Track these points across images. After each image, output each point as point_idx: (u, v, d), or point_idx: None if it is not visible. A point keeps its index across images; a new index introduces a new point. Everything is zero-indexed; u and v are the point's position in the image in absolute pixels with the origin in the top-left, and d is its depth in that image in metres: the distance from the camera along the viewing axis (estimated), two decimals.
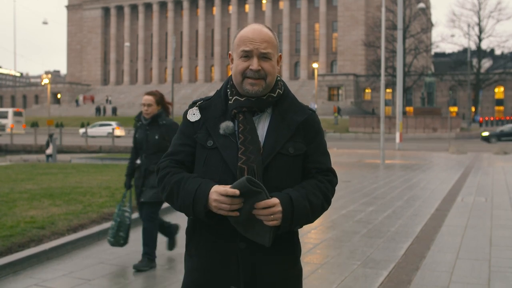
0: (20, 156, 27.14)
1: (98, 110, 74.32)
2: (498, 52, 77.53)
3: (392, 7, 56.35)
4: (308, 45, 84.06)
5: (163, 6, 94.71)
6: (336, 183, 2.21)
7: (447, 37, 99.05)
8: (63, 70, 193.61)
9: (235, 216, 1.93)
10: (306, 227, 7.26)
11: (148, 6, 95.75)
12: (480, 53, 64.87)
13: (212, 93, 2.30)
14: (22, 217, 7.13)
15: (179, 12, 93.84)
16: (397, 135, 29.21)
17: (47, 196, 8.94)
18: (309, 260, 5.80)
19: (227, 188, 1.91)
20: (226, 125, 2.06)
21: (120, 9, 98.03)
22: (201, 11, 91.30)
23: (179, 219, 7.82)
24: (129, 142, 37.74)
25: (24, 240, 6.07)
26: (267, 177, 2.00)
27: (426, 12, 71.24)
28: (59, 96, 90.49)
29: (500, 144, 34.93)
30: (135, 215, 6.85)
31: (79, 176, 12.51)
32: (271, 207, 1.92)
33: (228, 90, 2.15)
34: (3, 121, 50.84)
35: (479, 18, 64.48)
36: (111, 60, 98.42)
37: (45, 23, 79.93)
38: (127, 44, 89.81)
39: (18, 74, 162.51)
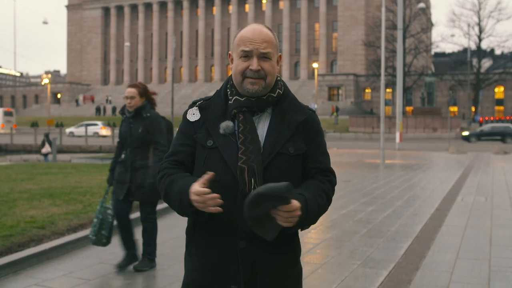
0: (20, 156, 27.15)
1: (98, 110, 74.31)
2: (498, 52, 77.58)
3: (392, 7, 56.34)
4: (308, 45, 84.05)
5: (163, 6, 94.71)
6: (336, 183, 2.22)
7: (447, 37, 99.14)
8: (63, 70, 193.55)
9: (252, 211, 1.88)
10: None
11: (148, 6, 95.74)
12: (480, 53, 64.88)
13: (212, 93, 2.31)
14: (22, 217, 7.13)
15: (179, 12, 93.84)
16: (397, 135, 29.21)
17: (47, 196, 8.94)
18: (309, 260, 5.80)
19: (200, 188, 1.92)
20: (226, 125, 2.06)
21: (120, 9, 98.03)
22: (201, 11, 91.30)
23: (179, 219, 7.83)
24: None
25: (24, 240, 6.07)
26: (267, 176, 2.01)
27: (426, 12, 71.23)
28: (59, 96, 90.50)
29: (480, 143, 35.21)
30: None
31: (79, 176, 12.51)
32: (293, 211, 1.92)
33: (228, 90, 2.15)
34: None
35: (479, 18, 64.49)
36: (111, 60, 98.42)
37: (45, 23, 79.97)
38: (127, 44, 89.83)
39: (18, 74, 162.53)
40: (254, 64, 2.04)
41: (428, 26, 74.73)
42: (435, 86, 52.83)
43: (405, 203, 9.84)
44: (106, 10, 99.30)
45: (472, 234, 7.17)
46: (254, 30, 2.08)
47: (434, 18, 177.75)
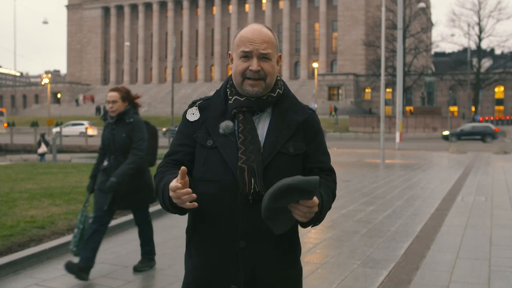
0: (20, 156, 27.14)
1: (98, 109, 74.30)
2: (498, 51, 77.60)
3: (392, 7, 56.33)
4: (308, 44, 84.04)
5: (163, 5, 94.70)
6: (336, 183, 2.24)
7: (447, 37, 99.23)
8: (63, 70, 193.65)
9: (272, 201, 1.85)
10: None
11: (148, 6, 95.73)
12: (480, 52, 64.88)
13: (212, 93, 2.31)
14: (22, 216, 7.13)
15: (179, 12, 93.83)
16: (397, 134, 29.21)
17: (47, 196, 8.94)
18: (309, 260, 5.80)
19: (176, 183, 1.90)
20: (226, 125, 2.06)
21: (120, 8, 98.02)
22: (201, 11, 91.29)
23: (179, 219, 7.83)
24: None
25: (24, 239, 6.07)
26: (267, 176, 2.01)
27: (426, 11, 71.24)
28: (59, 95, 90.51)
29: (460, 143, 35.31)
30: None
31: (79, 175, 12.51)
32: (312, 207, 1.92)
33: (227, 90, 2.15)
34: None
35: (479, 17, 64.49)
36: (111, 59, 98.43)
37: (45, 22, 79.99)
38: (127, 43, 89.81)
39: (18, 74, 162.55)
40: (254, 64, 2.04)
41: (428, 25, 74.71)
42: (435, 86, 52.85)
43: (405, 203, 9.84)
44: (106, 10, 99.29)
45: (472, 234, 7.17)
46: (254, 30, 2.08)
47: (434, 18, 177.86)
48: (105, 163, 5.16)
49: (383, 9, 24.64)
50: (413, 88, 64.06)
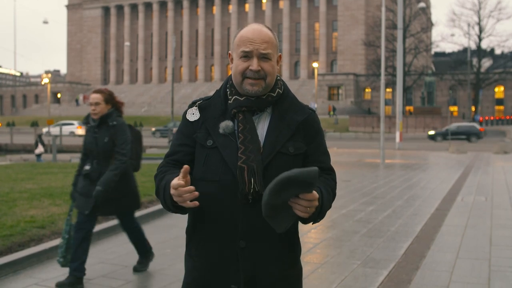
0: (20, 156, 27.14)
1: None
2: (498, 51, 77.59)
3: (392, 7, 56.35)
4: (308, 44, 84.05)
5: (163, 5, 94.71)
6: (336, 182, 2.24)
7: (447, 37, 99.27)
8: (63, 70, 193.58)
9: (272, 197, 1.84)
10: (306, 227, 7.27)
11: (148, 6, 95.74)
12: (480, 52, 64.91)
13: (212, 93, 2.31)
14: (22, 216, 7.13)
15: (179, 12, 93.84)
16: (397, 134, 29.21)
17: (47, 196, 8.94)
18: (309, 260, 5.80)
19: (177, 181, 1.90)
20: (225, 125, 2.06)
21: (120, 8, 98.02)
22: (201, 11, 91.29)
23: (179, 219, 7.83)
24: None
25: (24, 239, 6.07)
26: (267, 176, 2.00)
27: (426, 11, 71.25)
28: (59, 95, 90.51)
29: (445, 142, 35.43)
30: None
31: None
32: (313, 200, 1.91)
33: (227, 90, 2.15)
34: None
35: (479, 17, 64.52)
36: (111, 59, 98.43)
37: (45, 22, 79.98)
38: (127, 43, 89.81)
39: (18, 74, 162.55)
40: (254, 64, 2.04)
41: (428, 25, 74.72)
42: (435, 86, 52.88)
43: (405, 202, 9.84)
44: (106, 10, 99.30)
45: (472, 234, 7.17)
46: (254, 30, 2.08)
47: (434, 18, 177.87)
48: (87, 167, 4.96)
49: (383, 9, 24.63)
50: (413, 88, 64.08)
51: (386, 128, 40.31)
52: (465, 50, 68.57)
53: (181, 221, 7.62)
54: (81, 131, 44.52)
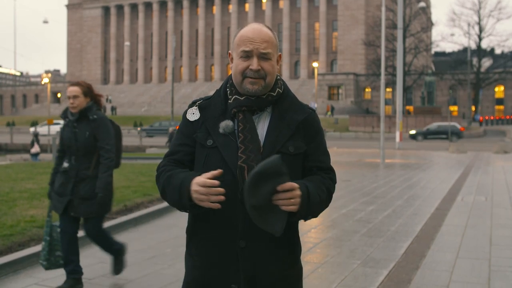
0: (20, 156, 27.13)
1: None
2: (498, 51, 77.66)
3: (392, 6, 56.35)
4: (308, 44, 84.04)
5: (163, 5, 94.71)
6: (336, 181, 2.23)
7: (447, 36, 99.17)
8: (63, 69, 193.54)
9: (253, 199, 1.86)
10: (306, 226, 7.27)
11: (148, 5, 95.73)
12: (480, 52, 64.93)
13: (212, 93, 2.31)
14: (22, 216, 7.14)
15: (179, 11, 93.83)
16: (397, 134, 29.21)
17: (47, 195, 8.93)
18: (309, 259, 5.80)
19: (205, 179, 1.90)
20: (225, 124, 2.06)
21: (120, 8, 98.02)
22: (201, 10, 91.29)
23: (179, 219, 7.83)
24: (128, 141, 37.80)
25: (24, 239, 6.07)
26: None
27: (426, 11, 71.26)
28: (59, 95, 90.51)
29: (426, 142, 35.52)
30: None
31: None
32: (293, 190, 1.91)
33: (227, 90, 2.15)
34: None
35: (479, 17, 64.55)
36: (111, 59, 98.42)
37: (45, 22, 79.95)
38: (127, 43, 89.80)
39: (18, 73, 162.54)
40: (254, 64, 2.04)
41: (428, 25, 74.74)
42: (435, 86, 52.87)
43: (405, 202, 9.84)
44: (106, 10, 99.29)
45: (472, 234, 7.17)
46: (254, 30, 2.08)
47: (434, 18, 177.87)
48: (65, 164, 4.70)
49: (383, 8, 24.63)
50: (413, 87, 64.09)
51: (386, 127, 40.34)
52: (465, 49, 68.58)
53: (181, 220, 7.63)
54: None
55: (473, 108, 63.20)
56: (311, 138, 2.14)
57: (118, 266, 5.10)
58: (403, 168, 16.97)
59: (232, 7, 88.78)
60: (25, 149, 33.44)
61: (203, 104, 2.16)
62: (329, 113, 60.48)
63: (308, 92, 74.95)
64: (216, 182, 1.89)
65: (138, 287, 4.94)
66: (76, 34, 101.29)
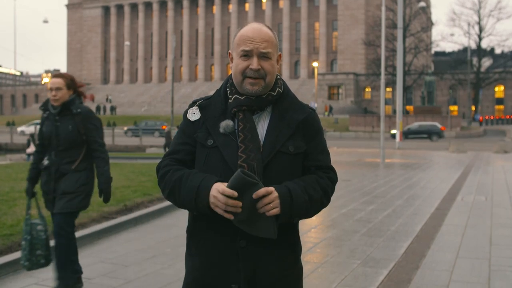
0: (20, 155, 27.14)
1: (98, 109, 74.30)
2: (498, 51, 77.64)
3: (392, 6, 56.34)
4: (308, 44, 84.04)
5: (163, 5, 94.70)
6: (336, 181, 2.21)
7: (447, 36, 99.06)
8: (63, 69, 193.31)
9: (237, 214, 1.93)
10: (306, 226, 7.27)
11: (148, 5, 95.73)
12: (480, 52, 64.93)
13: (212, 92, 2.31)
14: (22, 216, 7.12)
15: (179, 11, 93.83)
16: (397, 134, 29.22)
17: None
18: (309, 259, 5.80)
19: (228, 189, 1.91)
20: (226, 124, 2.06)
21: (120, 8, 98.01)
22: (201, 10, 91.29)
23: (179, 218, 7.83)
24: (129, 141, 37.81)
25: None
26: (267, 175, 2.01)
27: (426, 11, 71.25)
28: None
29: (407, 141, 35.65)
30: None
31: None
32: (269, 194, 1.93)
33: (227, 89, 2.15)
34: None
35: (479, 17, 64.55)
36: (111, 59, 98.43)
37: (45, 21, 79.93)
38: (127, 43, 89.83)
39: (18, 73, 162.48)
40: (254, 63, 2.04)
41: (428, 25, 74.72)
42: (435, 85, 52.88)
43: (405, 202, 9.84)
44: (106, 9, 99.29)
45: (472, 234, 7.17)
46: (254, 29, 2.08)
47: (434, 17, 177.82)
48: (45, 161, 4.52)
49: (383, 8, 24.63)
50: (413, 87, 64.09)
51: (386, 127, 40.46)
52: (465, 49, 68.58)
53: (181, 220, 7.63)
54: None
55: (473, 108, 63.20)
56: (311, 137, 2.14)
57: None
58: (403, 168, 16.98)
59: (232, 7, 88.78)
60: (25, 148, 33.45)
61: (204, 104, 2.16)
62: (326, 112, 60.50)
63: (308, 92, 74.94)
64: (235, 193, 1.90)
65: (138, 287, 4.93)
66: (76, 34, 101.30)
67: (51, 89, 4.49)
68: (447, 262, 5.72)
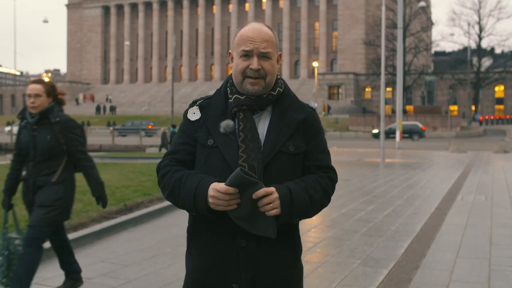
0: None
1: (98, 109, 74.37)
2: (498, 50, 77.65)
3: (392, 6, 56.34)
4: (308, 43, 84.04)
5: (163, 4, 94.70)
6: (336, 180, 2.21)
7: (447, 36, 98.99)
8: (63, 69, 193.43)
9: (236, 211, 1.94)
10: (306, 226, 7.27)
11: (148, 5, 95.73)
12: (480, 51, 64.93)
13: (212, 92, 2.31)
14: (22, 216, 7.12)
15: (179, 11, 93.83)
16: (397, 134, 29.22)
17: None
18: (309, 259, 5.80)
19: (224, 186, 1.91)
20: (226, 124, 2.06)
21: (120, 7, 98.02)
22: (201, 10, 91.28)
23: (179, 218, 7.83)
24: (130, 141, 37.81)
25: None
26: (267, 175, 2.01)
27: (426, 10, 71.27)
28: None
29: (388, 141, 35.66)
30: None
31: (79, 174, 12.50)
32: (269, 195, 1.93)
33: (228, 89, 2.15)
34: None
35: (479, 16, 64.55)
36: (111, 59, 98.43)
37: (45, 21, 79.91)
38: (127, 43, 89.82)
39: (18, 73, 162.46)
40: (254, 63, 2.04)
41: (428, 25, 74.73)
42: (435, 85, 52.90)
43: (405, 202, 9.84)
44: (106, 9, 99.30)
45: (472, 233, 7.17)
46: (254, 29, 2.08)
47: (434, 17, 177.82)
48: (23, 172, 4.31)
49: (383, 8, 24.64)
50: (413, 87, 64.10)
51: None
52: (465, 49, 68.56)
53: (181, 220, 7.63)
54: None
55: (473, 108, 63.19)
56: (311, 137, 2.14)
57: None
58: (403, 168, 16.98)
59: (232, 7, 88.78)
60: None
61: (204, 104, 2.16)
62: (324, 112, 60.49)
63: (308, 91, 74.94)
64: (236, 190, 1.91)
65: (138, 287, 4.93)
66: (76, 33, 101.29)
67: (29, 96, 4.22)
68: (447, 261, 5.72)
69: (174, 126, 27.24)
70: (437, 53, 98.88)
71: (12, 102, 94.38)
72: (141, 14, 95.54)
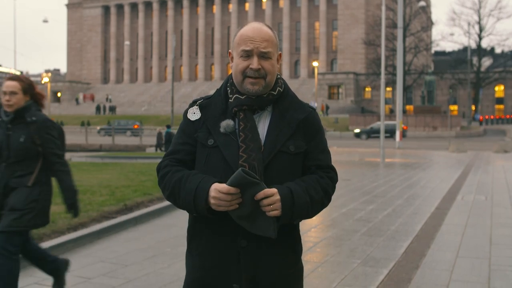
0: None
1: (98, 108, 74.37)
2: (498, 50, 77.58)
3: (392, 6, 56.33)
4: (308, 43, 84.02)
5: (163, 4, 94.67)
6: (337, 180, 2.21)
7: (447, 36, 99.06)
8: (63, 69, 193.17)
9: (237, 211, 1.94)
10: (306, 226, 7.27)
11: (148, 5, 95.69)
12: (480, 51, 64.93)
13: (212, 92, 2.31)
14: None
15: (179, 11, 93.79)
16: (397, 133, 29.22)
17: None
18: (309, 259, 5.80)
19: (226, 186, 1.92)
20: (226, 124, 2.06)
21: (120, 7, 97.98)
22: (201, 10, 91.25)
23: (179, 218, 7.83)
24: (130, 141, 37.80)
25: None
26: (268, 175, 2.01)
27: (426, 10, 71.29)
28: (59, 94, 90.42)
29: (370, 140, 35.85)
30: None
31: (79, 174, 12.49)
32: (270, 196, 1.93)
33: (228, 89, 2.15)
34: None
35: (479, 16, 64.55)
36: (111, 58, 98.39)
37: (45, 21, 79.88)
38: (127, 42, 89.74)
39: (18, 73, 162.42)
40: (254, 63, 2.04)
41: (428, 24, 74.72)
42: (435, 85, 52.91)
43: (405, 201, 9.84)
44: (106, 9, 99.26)
45: (472, 233, 7.17)
46: (254, 29, 2.08)
47: (434, 17, 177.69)
48: None
49: (383, 8, 24.64)
50: (413, 87, 64.08)
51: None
52: (465, 49, 68.55)
53: (181, 220, 7.62)
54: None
55: (473, 108, 63.19)
56: (311, 137, 2.14)
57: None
58: (403, 167, 16.98)
59: (232, 6, 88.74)
60: None
61: (204, 104, 2.16)
62: (321, 112, 60.48)
63: (308, 91, 74.91)
64: (238, 190, 1.91)
65: (138, 287, 4.93)
66: (76, 33, 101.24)
67: (4, 93, 3.99)
68: (447, 261, 5.72)
69: (169, 127, 27.29)
70: (437, 53, 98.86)
71: None
72: (141, 14, 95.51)
